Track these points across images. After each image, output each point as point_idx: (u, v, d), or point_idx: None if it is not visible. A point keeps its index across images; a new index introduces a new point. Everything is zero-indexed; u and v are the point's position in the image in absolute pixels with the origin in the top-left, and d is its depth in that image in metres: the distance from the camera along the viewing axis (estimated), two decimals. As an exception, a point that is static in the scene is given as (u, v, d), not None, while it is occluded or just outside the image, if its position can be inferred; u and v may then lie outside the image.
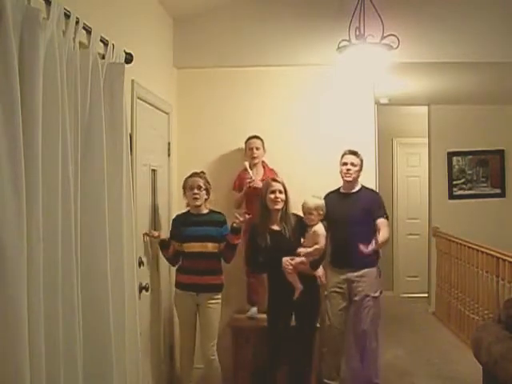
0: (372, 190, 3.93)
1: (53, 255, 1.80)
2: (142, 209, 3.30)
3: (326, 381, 3.80)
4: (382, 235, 3.66)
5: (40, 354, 1.66)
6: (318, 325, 3.70)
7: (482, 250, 4.79)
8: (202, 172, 3.65)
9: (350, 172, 3.77)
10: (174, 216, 3.72)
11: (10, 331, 1.54)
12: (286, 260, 3.38)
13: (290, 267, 3.37)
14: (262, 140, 4.03)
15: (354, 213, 3.72)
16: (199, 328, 3.57)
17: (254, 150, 3.98)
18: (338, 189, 3.90)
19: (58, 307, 1.81)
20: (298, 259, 3.39)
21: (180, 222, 3.59)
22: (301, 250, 3.43)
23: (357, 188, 3.86)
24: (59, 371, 1.80)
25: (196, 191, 3.51)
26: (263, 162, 4.06)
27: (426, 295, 6.49)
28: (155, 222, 3.69)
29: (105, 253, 2.20)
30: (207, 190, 3.57)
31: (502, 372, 2.89)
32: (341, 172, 3.81)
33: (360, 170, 3.81)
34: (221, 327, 3.63)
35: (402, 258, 7.14)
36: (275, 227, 3.51)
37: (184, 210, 3.67)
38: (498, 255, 4.45)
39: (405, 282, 7.14)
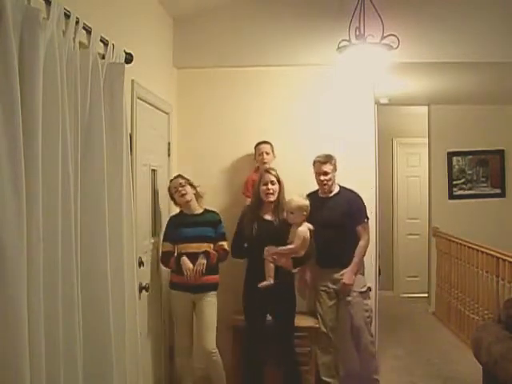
0: (351, 191, 3.87)
1: (53, 255, 1.80)
2: (141, 209, 3.30)
3: (324, 379, 3.81)
4: (359, 251, 3.77)
5: (40, 354, 1.66)
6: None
7: (482, 250, 4.79)
8: (179, 174, 3.65)
9: (324, 183, 3.78)
10: (168, 218, 3.70)
11: (9, 331, 1.53)
12: (267, 248, 3.39)
13: (267, 254, 3.36)
14: (271, 145, 4.02)
15: (333, 217, 3.73)
16: (196, 325, 3.57)
17: (264, 155, 3.96)
18: (317, 191, 3.89)
19: (58, 307, 1.81)
20: (277, 249, 3.38)
21: (175, 223, 3.58)
22: (280, 248, 3.41)
23: (335, 191, 3.86)
24: (59, 371, 1.80)
25: (179, 189, 3.52)
26: None
27: (426, 295, 6.49)
28: (155, 222, 3.69)
29: (105, 253, 2.20)
30: (191, 185, 3.58)
31: (502, 372, 2.89)
32: (316, 179, 3.81)
33: (335, 173, 3.80)
34: (221, 327, 3.62)
35: (402, 258, 7.14)
36: (267, 217, 3.52)
37: (178, 211, 3.67)
38: (498, 255, 4.45)
39: (405, 282, 7.14)
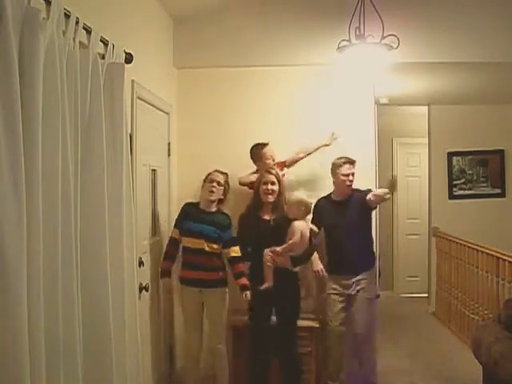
0: (361, 191, 3.82)
1: (53, 255, 1.80)
2: (141, 209, 3.29)
3: (329, 382, 3.80)
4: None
5: (40, 353, 1.66)
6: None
7: (482, 250, 4.79)
8: (226, 173, 3.65)
9: (351, 184, 3.76)
10: (184, 203, 3.71)
11: (10, 331, 1.53)
12: (266, 251, 3.41)
13: (268, 257, 3.39)
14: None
15: (350, 219, 3.71)
16: (205, 321, 3.58)
17: (271, 162, 3.81)
18: (329, 195, 3.88)
19: (58, 307, 1.81)
20: (275, 248, 3.41)
21: (187, 212, 3.59)
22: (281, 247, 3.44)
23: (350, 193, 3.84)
24: (59, 371, 1.80)
25: (214, 184, 3.53)
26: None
27: (426, 295, 6.48)
28: (155, 222, 3.69)
29: (105, 253, 2.20)
30: (225, 190, 3.59)
31: (502, 372, 2.88)
32: (341, 182, 3.75)
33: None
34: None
35: (402, 257, 7.15)
36: (265, 216, 3.55)
37: (196, 201, 3.67)
38: (498, 255, 4.45)
39: (405, 282, 7.14)
